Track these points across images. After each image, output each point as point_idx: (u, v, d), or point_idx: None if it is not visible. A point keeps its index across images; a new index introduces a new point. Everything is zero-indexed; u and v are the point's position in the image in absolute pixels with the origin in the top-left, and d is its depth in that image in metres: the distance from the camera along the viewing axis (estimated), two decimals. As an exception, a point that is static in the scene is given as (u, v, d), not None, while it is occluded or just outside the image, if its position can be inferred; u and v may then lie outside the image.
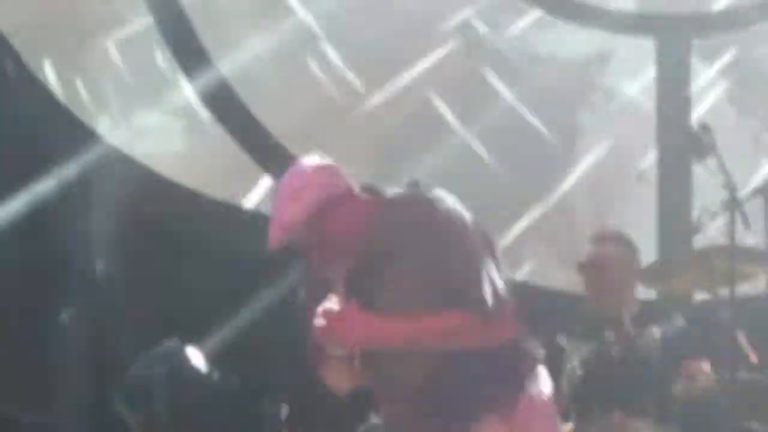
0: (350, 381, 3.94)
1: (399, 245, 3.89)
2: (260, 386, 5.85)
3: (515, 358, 4.01)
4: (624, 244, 5.82)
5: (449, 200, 3.91)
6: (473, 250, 3.91)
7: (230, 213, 7.39)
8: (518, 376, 4.03)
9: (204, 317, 6.62)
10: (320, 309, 3.83)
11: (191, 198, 7.34)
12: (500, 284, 3.89)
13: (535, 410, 4.02)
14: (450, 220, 3.90)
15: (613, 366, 5.56)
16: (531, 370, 4.05)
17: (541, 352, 4.13)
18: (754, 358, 5.49)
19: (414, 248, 3.88)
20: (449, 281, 3.87)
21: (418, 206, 3.95)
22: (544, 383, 4.08)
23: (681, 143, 6.39)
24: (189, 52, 7.27)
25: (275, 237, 3.78)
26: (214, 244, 7.15)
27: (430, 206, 3.92)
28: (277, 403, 5.62)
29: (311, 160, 3.95)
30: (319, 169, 3.90)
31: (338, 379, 3.97)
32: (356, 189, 3.97)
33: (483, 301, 3.85)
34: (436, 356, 3.95)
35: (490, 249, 3.97)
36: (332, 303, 3.87)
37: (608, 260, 5.67)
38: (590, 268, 5.63)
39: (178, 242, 7.24)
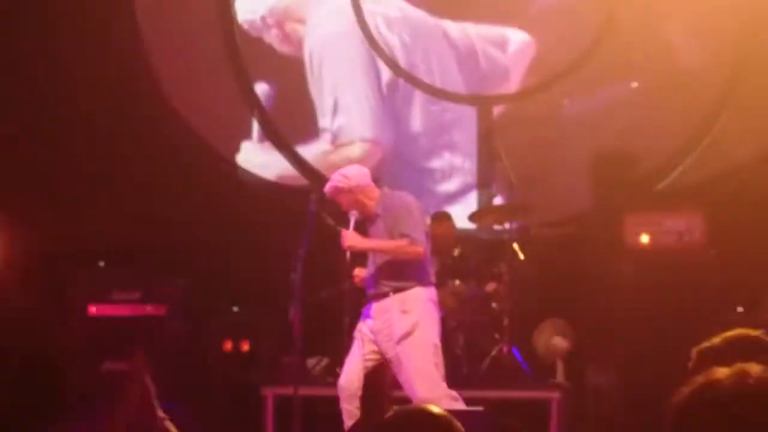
0: None
1: (382, 210, 6.53)
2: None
3: (422, 268, 6.54)
4: (448, 217, 8.98)
5: (409, 195, 6.59)
6: (415, 215, 6.53)
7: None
8: (417, 275, 6.51)
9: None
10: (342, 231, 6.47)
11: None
12: (423, 231, 6.54)
13: (422, 295, 6.49)
14: (407, 201, 6.61)
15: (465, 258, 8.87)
16: (427, 274, 6.54)
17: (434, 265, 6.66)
18: (522, 255, 8.73)
19: (388, 212, 6.49)
20: (401, 227, 6.44)
21: (393, 195, 6.69)
22: (430, 281, 6.54)
23: (487, 154, 9.55)
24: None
25: (326, 192, 6.69)
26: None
27: (399, 195, 6.66)
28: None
29: (352, 167, 6.70)
30: (348, 172, 6.59)
31: None
32: (371, 183, 6.57)
33: (413, 237, 6.44)
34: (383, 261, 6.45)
35: (423, 215, 6.70)
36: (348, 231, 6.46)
37: (441, 227, 8.68)
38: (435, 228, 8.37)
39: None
